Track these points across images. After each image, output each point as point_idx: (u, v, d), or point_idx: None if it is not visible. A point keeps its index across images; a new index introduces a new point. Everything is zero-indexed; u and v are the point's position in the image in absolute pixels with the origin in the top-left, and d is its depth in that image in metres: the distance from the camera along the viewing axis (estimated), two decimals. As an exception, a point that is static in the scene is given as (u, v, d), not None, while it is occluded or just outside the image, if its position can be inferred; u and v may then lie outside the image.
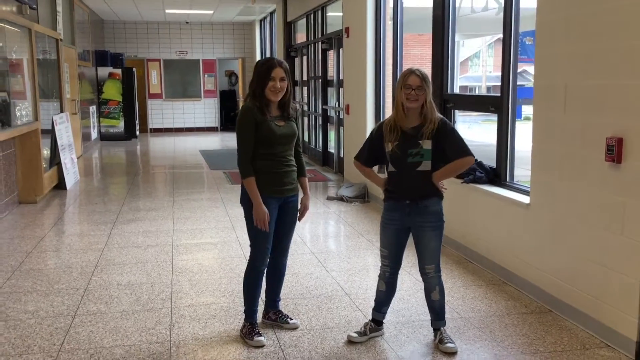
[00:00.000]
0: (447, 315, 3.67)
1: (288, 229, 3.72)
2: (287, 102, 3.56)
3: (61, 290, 4.48)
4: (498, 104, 4.97)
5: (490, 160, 5.21)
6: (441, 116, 3.45)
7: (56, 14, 10.51)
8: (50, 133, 8.60)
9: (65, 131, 9.36)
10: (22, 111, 7.54)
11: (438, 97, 5.82)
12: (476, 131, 14.58)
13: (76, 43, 12.48)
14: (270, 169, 3.52)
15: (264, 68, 3.49)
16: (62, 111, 9.76)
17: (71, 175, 9.06)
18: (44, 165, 8.04)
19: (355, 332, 3.64)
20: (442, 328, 3.58)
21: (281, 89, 3.47)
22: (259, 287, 3.70)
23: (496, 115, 5.03)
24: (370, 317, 3.73)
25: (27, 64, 7.83)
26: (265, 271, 3.69)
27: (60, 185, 8.61)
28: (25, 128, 7.42)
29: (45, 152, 8.32)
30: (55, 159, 8.62)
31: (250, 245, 3.64)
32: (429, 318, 3.63)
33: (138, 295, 4.39)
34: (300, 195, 3.72)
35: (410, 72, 3.38)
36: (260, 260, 3.62)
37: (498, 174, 5.03)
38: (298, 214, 3.71)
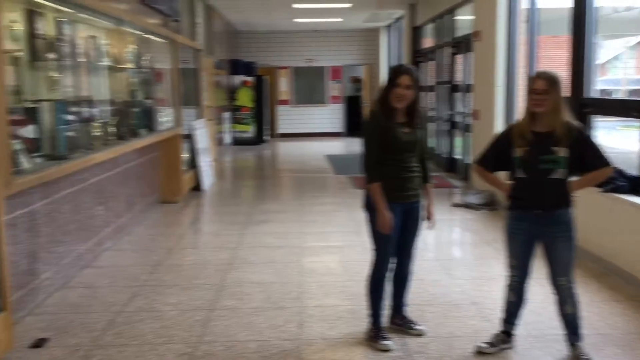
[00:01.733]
0: (583, 331, 3.49)
1: (412, 235, 3.72)
2: (414, 110, 3.55)
3: (199, 285, 4.77)
4: (643, 109, 4.66)
5: (631, 169, 4.89)
6: (577, 123, 3.30)
7: (196, 25, 11.20)
8: (190, 138, 9.17)
9: (203, 136, 9.93)
10: (165, 117, 8.11)
11: (575, 102, 5.54)
12: (615, 137, 13.67)
13: (214, 53, 13.21)
14: (393, 175, 3.54)
15: (392, 74, 3.52)
16: (200, 117, 10.38)
17: (207, 177, 9.60)
18: (184, 168, 8.59)
19: (484, 342, 3.56)
20: (577, 344, 3.42)
21: (405, 96, 3.46)
22: (382, 292, 3.72)
23: (641, 120, 4.71)
24: (499, 328, 3.63)
25: (171, 73, 8.40)
26: (387, 276, 3.71)
27: (198, 187, 9.15)
28: (168, 133, 7.97)
29: (185, 155, 8.89)
30: (193, 162, 9.19)
31: (373, 250, 3.68)
32: (564, 333, 3.48)
33: (269, 293, 4.57)
34: (425, 202, 3.71)
35: (537, 75, 3.28)
36: (383, 265, 3.65)
37: (642, 184, 4.70)
38: (426, 221, 3.70)
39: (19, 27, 4.38)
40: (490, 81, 8.06)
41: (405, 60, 13.84)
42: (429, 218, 3.73)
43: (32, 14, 4.64)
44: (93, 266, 5.27)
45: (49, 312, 4.20)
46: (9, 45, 4.12)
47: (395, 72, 3.51)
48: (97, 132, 5.50)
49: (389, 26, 17.02)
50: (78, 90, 5.37)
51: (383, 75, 17.48)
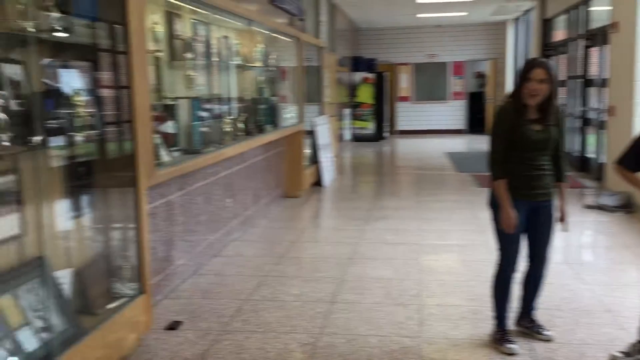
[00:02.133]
0: None
1: (543, 236, 3.56)
2: (548, 106, 3.38)
3: (320, 278, 4.87)
4: None
5: None
6: None
7: (320, 23, 11.41)
8: (312, 134, 9.36)
9: (324, 132, 10.10)
10: (289, 114, 8.34)
11: None
12: None
13: (336, 50, 13.39)
14: (520, 172, 3.41)
15: (524, 68, 3.38)
16: (322, 114, 10.57)
17: (328, 173, 9.76)
18: (306, 163, 8.80)
19: (619, 351, 3.34)
20: None
21: (538, 91, 3.30)
22: (508, 293, 3.60)
23: None
24: (637, 338, 3.40)
25: (295, 70, 8.62)
26: (514, 277, 3.58)
27: (319, 182, 9.32)
28: (292, 129, 8.19)
29: (307, 151, 9.09)
30: (315, 158, 9.38)
31: (498, 250, 3.57)
32: None
33: (388, 289, 4.58)
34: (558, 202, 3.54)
35: None
36: (508, 265, 3.53)
37: None
38: (559, 222, 3.53)
39: (160, 28, 4.70)
40: (629, 75, 7.52)
41: (534, 54, 13.26)
42: (562, 219, 3.55)
43: (171, 16, 4.96)
44: (222, 255, 5.54)
45: (183, 297, 4.48)
46: (151, 46, 4.42)
47: (528, 65, 3.37)
48: (227, 128, 5.77)
49: (516, 19, 16.38)
50: (210, 88, 5.67)
51: (509, 70, 16.87)
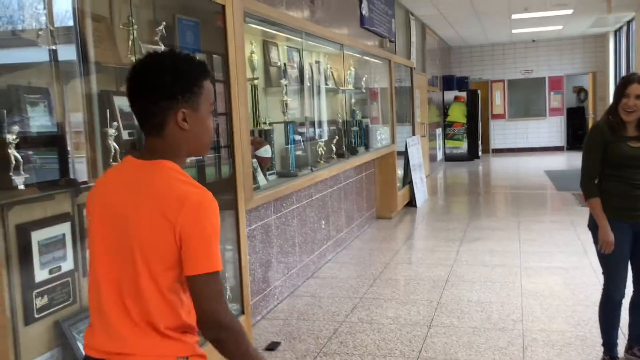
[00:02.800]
0: None
1: None
2: None
3: (416, 300, 4.81)
4: None
5: None
6: None
7: (410, 44, 11.40)
8: (404, 154, 9.32)
9: (416, 152, 10.03)
10: (381, 135, 8.36)
11: None
12: None
13: (426, 70, 13.32)
14: (621, 192, 3.25)
15: (621, 83, 3.26)
16: (413, 134, 10.51)
17: (421, 193, 9.66)
18: (398, 184, 8.75)
19: None
20: None
21: (635, 107, 3.16)
22: (616, 319, 3.41)
23: None
24: None
25: (387, 92, 8.65)
26: (621, 302, 3.38)
27: (411, 202, 9.24)
28: (384, 150, 8.19)
29: (399, 172, 9.05)
30: (407, 179, 9.32)
31: (603, 273, 3.40)
32: None
33: (488, 313, 4.45)
34: None
35: None
36: (613, 289, 3.35)
37: None
38: None
39: (256, 57, 4.87)
40: None
41: (637, 66, 12.58)
42: None
43: (267, 45, 5.13)
44: (317, 277, 5.59)
45: (280, 318, 4.56)
46: (248, 74, 4.59)
47: (625, 80, 3.24)
48: (320, 151, 5.86)
49: (617, 30, 15.64)
50: (303, 112, 5.79)
51: (611, 84, 16.11)
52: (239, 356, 1.55)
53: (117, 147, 2.86)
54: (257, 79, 4.79)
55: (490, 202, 10.08)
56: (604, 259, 3.35)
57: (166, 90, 1.53)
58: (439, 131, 15.54)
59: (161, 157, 1.57)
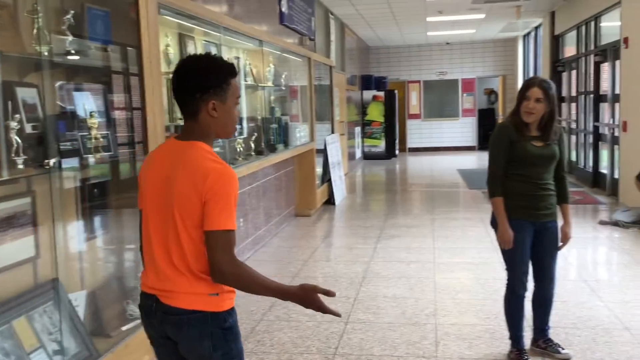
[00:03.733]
0: None
1: (548, 256, 3.53)
2: (549, 124, 3.37)
3: (334, 298, 4.82)
4: None
5: None
6: None
7: (330, 43, 11.48)
8: (323, 152, 9.38)
9: (335, 150, 10.12)
10: (300, 132, 8.37)
11: None
12: None
13: (345, 69, 13.46)
14: (522, 191, 3.39)
15: (523, 86, 3.42)
16: (332, 132, 10.59)
17: (339, 191, 9.75)
18: (317, 182, 8.80)
19: (639, 371, 3.29)
20: None
21: (534, 110, 3.31)
22: (521, 312, 3.56)
23: None
24: (657, 358, 3.34)
25: (306, 90, 8.66)
26: (526, 296, 3.54)
27: (330, 200, 9.31)
28: (303, 148, 8.20)
29: (318, 169, 9.10)
30: (326, 176, 9.38)
31: (506, 269, 3.54)
32: None
33: (403, 308, 4.54)
34: (560, 222, 3.50)
35: None
36: (518, 283, 3.50)
37: None
38: (561, 243, 3.50)
39: (172, 50, 4.74)
40: (641, 90, 7.50)
41: (544, 70, 13.25)
42: (563, 240, 3.51)
43: (183, 39, 5.01)
44: (234, 275, 5.51)
45: (196, 318, 4.46)
46: (163, 68, 4.46)
47: (526, 84, 3.40)
48: (239, 148, 5.79)
49: (526, 35, 16.40)
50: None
51: (519, 87, 16.83)
52: (245, 290, 1.99)
53: (19, 141, 2.69)
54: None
55: (406, 199, 10.31)
56: (507, 255, 3.48)
57: (201, 85, 1.93)
58: (357, 130, 15.75)
59: (195, 138, 1.97)
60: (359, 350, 3.80)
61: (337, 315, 2.08)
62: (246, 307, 4.66)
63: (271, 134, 7.02)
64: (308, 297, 2.04)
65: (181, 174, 1.91)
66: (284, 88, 7.73)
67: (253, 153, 6.22)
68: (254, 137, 6.30)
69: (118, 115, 3.75)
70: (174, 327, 1.95)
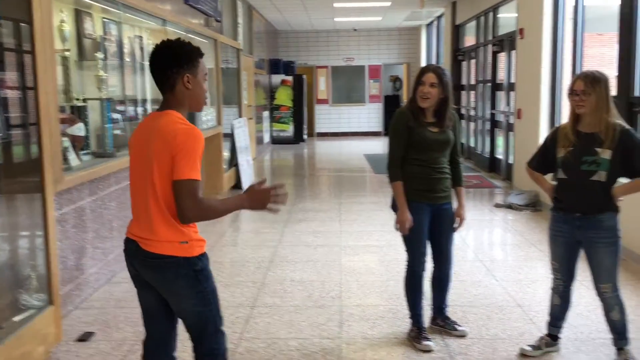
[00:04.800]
0: (631, 335, 3.40)
1: (445, 237, 3.68)
2: (443, 110, 3.50)
3: (240, 282, 4.81)
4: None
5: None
6: (625, 124, 3.18)
7: (237, 25, 11.30)
8: (230, 136, 9.26)
9: (243, 135, 10.01)
10: (207, 116, 8.21)
11: (624, 101, 5.40)
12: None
13: (253, 52, 13.32)
14: (420, 175, 3.51)
15: (418, 72, 3.52)
16: (240, 116, 10.47)
17: (247, 176, 9.68)
18: (224, 167, 8.68)
19: (529, 345, 3.50)
20: (625, 348, 3.32)
21: (428, 94, 3.42)
22: (420, 292, 3.69)
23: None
24: (544, 331, 3.56)
25: (213, 72, 8.50)
26: (424, 276, 3.67)
27: (237, 185, 9.23)
28: (210, 132, 8.06)
29: (225, 154, 8.98)
30: (233, 161, 9.28)
31: (406, 250, 3.66)
32: (610, 336, 3.39)
33: (310, 291, 4.59)
34: (455, 205, 3.66)
35: (577, 76, 3.20)
36: (417, 264, 3.63)
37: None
38: (456, 225, 3.65)
39: (68, 27, 4.50)
40: (535, 80, 7.92)
41: (446, 58, 13.71)
42: (460, 222, 3.66)
43: (80, 15, 4.76)
44: (137, 262, 5.36)
45: (95, 307, 4.30)
46: (58, 45, 4.23)
47: (422, 70, 3.51)
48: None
49: (429, 24, 16.88)
50: (123, 89, 5.48)
51: (423, 74, 17.31)
52: (211, 219, 2.36)
53: None
54: (68, 50, 4.43)
55: (314, 184, 10.40)
56: (406, 237, 3.59)
57: (176, 62, 2.32)
58: (266, 114, 15.67)
59: (170, 108, 2.34)
60: (265, 334, 3.80)
61: (276, 211, 2.41)
62: (149, 294, 4.54)
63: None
64: (255, 196, 2.37)
65: (155, 137, 2.26)
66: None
67: (157, 136, 6.03)
68: (157, 120, 6.10)
69: (10, 94, 3.53)
70: (152, 270, 2.33)
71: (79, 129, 4.36)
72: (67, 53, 4.41)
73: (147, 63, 6.00)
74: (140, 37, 5.90)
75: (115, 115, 5.17)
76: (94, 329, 3.89)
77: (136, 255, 2.35)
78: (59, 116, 3.70)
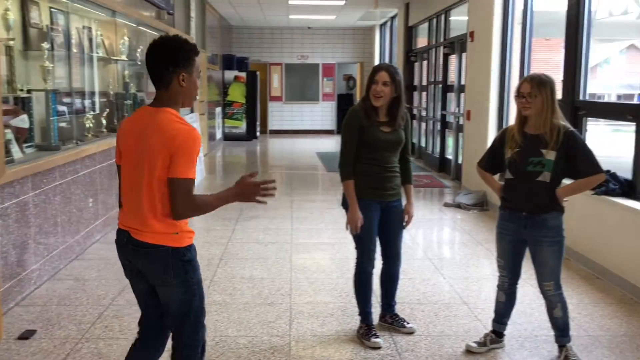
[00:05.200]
0: (572, 332, 3.50)
1: (394, 235, 3.72)
2: (396, 109, 3.54)
3: (189, 279, 4.73)
4: (638, 113, 4.68)
5: (623, 173, 4.91)
6: (569, 127, 3.27)
7: (190, 19, 11.14)
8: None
9: (194, 130, 9.88)
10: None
11: (569, 104, 5.56)
12: (607, 141, 13.75)
13: (206, 47, 13.15)
14: (371, 173, 3.54)
15: (371, 71, 3.54)
16: (192, 112, 10.33)
17: (198, 172, 9.55)
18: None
19: (474, 342, 3.56)
20: (567, 345, 3.43)
21: (381, 93, 3.45)
22: (369, 289, 3.72)
23: (634, 124, 4.73)
24: (489, 328, 3.64)
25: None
26: (372, 273, 3.70)
27: (188, 181, 9.09)
28: (160, 126, 7.91)
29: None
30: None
31: (355, 248, 3.68)
32: (553, 334, 3.49)
33: (259, 289, 4.56)
34: (405, 202, 3.70)
35: (524, 78, 3.29)
36: (366, 261, 3.66)
37: (634, 187, 4.73)
38: (405, 222, 3.69)
39: (12, 15, 4.34)
40: (484, 82, 8.08)
41: (398, 59, 13.85)
42: (408, 219, 3.71)
43: (25, 3, 4.60)
44: (82, 258, 5.23)
45: (37, 304, 4.17)
46: (2, 34, 4.08)
47: (374, 69, 3.54)
48: (89, 124, 5.46)
49: (383, 25, 17.03)
50: (70, 81, 5.33)
51: (376, 74, 17.44)
52: (203, 214, 2.41)
53: None
54: (12, 39, 4.27)
55: (265, 181, 10.33)
56: (356, 234, 3.61)
57: (173, 60, 2.33)
58: (218, 110, 15.51)
59: (164, 105, 2.36)
60: (214, 332, 3.76)
61: (264, 202, 2.50)
62: (93, 291, 4.44)
63: (125, 111, 6.70)
64: (245, 189, 2.44)
65: (153, 133, 2.28)
66: (139, 63, 7.39)
67: (104, 130, 5.90)
68: (105, 113, 5.97)
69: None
70: (142, 258, 2.38)
71: (22, 121, 4.22)
72: (11, 42, 4.26)
73: (95, 54, 5.86)
74: (90, 28, 5.75)
75: (61, 108, 5.02)
76: (36, 326, 3.77)
77: (127, 245, 2.40)
78: (1, 107, 3.56)
